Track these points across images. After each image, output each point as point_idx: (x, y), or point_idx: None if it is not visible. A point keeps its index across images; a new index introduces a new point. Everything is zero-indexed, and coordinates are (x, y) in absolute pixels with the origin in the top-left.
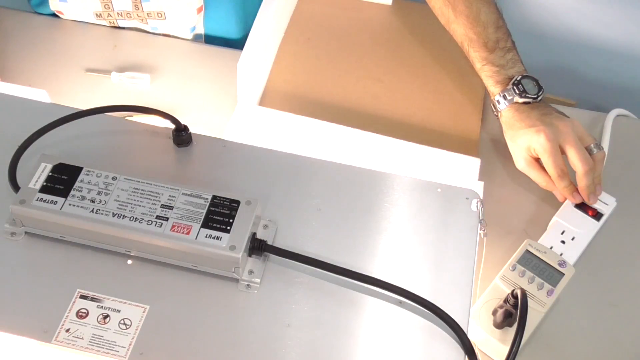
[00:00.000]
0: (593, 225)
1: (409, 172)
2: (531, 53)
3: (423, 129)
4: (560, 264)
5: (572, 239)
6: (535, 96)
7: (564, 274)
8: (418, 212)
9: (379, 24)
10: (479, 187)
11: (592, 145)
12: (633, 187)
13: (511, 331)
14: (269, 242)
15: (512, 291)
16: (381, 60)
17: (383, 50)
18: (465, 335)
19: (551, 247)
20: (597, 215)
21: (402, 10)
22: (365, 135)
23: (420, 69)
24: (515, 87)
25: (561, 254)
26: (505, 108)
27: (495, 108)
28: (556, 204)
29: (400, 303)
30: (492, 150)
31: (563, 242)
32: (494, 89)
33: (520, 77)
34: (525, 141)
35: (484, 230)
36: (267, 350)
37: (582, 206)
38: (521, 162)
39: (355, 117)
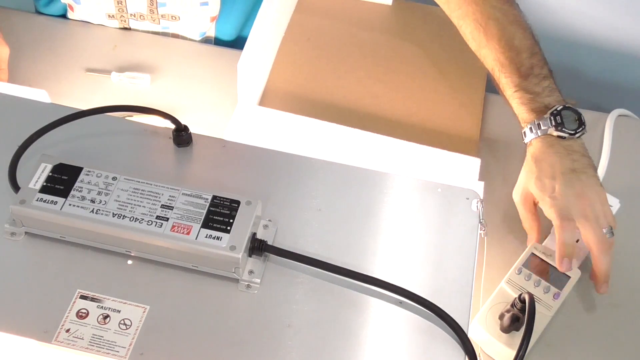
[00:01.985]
0: None
1: (409, 172)
2: None
3: (423, 129)
4: None
5: (577, 240)
6: (572, 132)
7: (570, 277)
8: (418, 212)
9: (379, 24)
10: (479, 187)
11: (604, 230)
12: (635, 188)
13: (518, 335)
14: (269, 242)
15: (520, 295)
16: (381, 60)
17: (383, 50)
18: (466, 335)
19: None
20: None
21: (402, 10)
22: (365, 135)
23: (421, 69)
24: (552, 118)
25: None
26: (535, 138)
27: (524, 137)
28: None
29: (400, 303)
30: (492, 150)
31: None
32: (526, 116)
33: (561, 107)
34: (537, 193)
35: (484, 230)
36: (267, 350)
37: None
38: (520, 197)
39: (355, 117)
